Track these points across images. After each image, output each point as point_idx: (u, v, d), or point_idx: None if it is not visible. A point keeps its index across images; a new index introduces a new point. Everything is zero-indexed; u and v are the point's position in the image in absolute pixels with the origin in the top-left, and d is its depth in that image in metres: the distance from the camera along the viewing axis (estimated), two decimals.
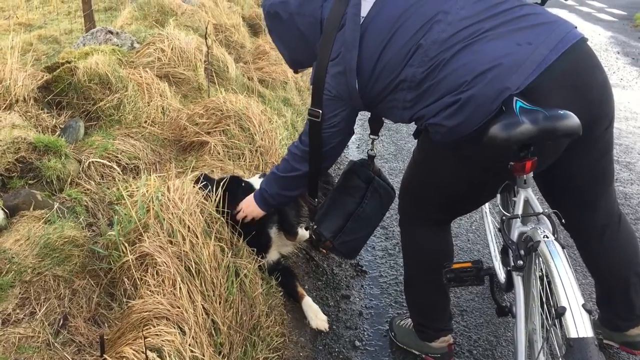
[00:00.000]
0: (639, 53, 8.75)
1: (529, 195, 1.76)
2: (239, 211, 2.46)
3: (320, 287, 2.84)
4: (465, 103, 1.67)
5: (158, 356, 1.73)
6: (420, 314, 2.31)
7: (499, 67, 1.64)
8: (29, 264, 2.09)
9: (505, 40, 1.68)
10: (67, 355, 1.88)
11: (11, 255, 2.09)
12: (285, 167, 2.23)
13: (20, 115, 3.07)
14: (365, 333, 2.55)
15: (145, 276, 2.07)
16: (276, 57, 5.45)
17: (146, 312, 1.90)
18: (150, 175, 2.65)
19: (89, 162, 2.93)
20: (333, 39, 1.88)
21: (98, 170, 2.94)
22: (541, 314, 1.71)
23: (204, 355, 1.82)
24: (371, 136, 2.32)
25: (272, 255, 2.67)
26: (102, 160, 2.99)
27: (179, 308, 1.93)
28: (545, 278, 1.62)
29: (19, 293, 2.01)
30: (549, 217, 1.67)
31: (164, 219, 2.21)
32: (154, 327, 1.85)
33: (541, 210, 1.70)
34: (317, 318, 2.49)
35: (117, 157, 3.08)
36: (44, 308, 2.02)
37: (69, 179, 2.77)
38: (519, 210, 1.76)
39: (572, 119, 1.54)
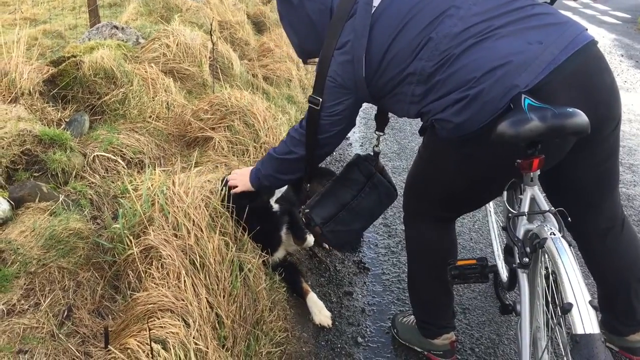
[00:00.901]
0: None
1: (535, 193, 1.76)
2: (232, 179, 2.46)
3: (323, 283, 2.85)
4: (473, 99, 1.67)
5: (162, 348, 1.73)
6: (424, 311, 2.32)
7: (508, 65, 1.64)
8: (34, 255, 2.10)
9: (516, 38, 1.68)
10: (71, 346, 1.89)
11: (16, 246, 2.09)
12: (283, 149, 2.21)
13: (25, 109, 3.07)
14: (368, 330, 2.55)
15: (149, 269, 2.07)
16: (280, 54, 5.46)
17: (151, 304, 1.91)
18: (154, 169, 2.66)
19: (94, 156, 2.94)
20: (342, 26, 1.87)
21: (103, 164, 2.95)
22: (546, 313, 1.71)
23: (207, 348, 1.83)
24: (377, 132, 2.33)
25: (280, 254, 2.68)
26: (106, 154, 2.99)
27: (184, 301, 1.93)
28: (550, 276, 1.62)
29: (24, 284, 2.02)
30: (555, 215, 1.67)
31: (169, 212, 2.21)
32: (159, 319, 1.86)
33: (547, 208, 1.70)
34: (320, 314, 2.50)
35: (121, 151, 3.09)
36: (49, 299, 2.02)
37: (74, 172, 2.77)
38: (525, 208, 1.76)
39: (581, 117, 1.54)
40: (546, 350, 1.72)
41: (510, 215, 1.79)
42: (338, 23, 1.89)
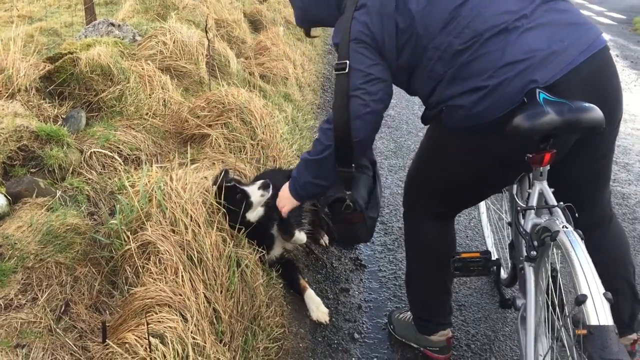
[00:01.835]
0: (638, 56, 8.79)
1: (544, 187, 1.78)
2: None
3: (320, 280, 2.85)
4: (493, 90, 1.66)
5: (160, 342, 1.73)
6: (421, 308, 2.32)
7: (531, 60, 1.64)
8: (31, 250, 2.10)
9: (541, 33, 1.68)
10: (68, 341, 1.89)
11: (14, 241, 2.09)
12: (317, 147, 2.00)
13: (22, 105, 3.07)
14: (364, 326, 2.56)
15: (147, 264, 2.08)
16: (277, 53, 5.47)
17: (148, 299, 1.91)
18: (152, 166, 2.66)
19: (91, 152, 2.93)
20: None
21: (99, 161, 2.94)
22: (551, 313, 1.73)
23: (205, 343, 1.84)
24: None
25: (276, 252, 2.68)
26: (103, 151, 2.99)
27: (181, 296, 1.94)
28: (558, 276, 1.63)
29: (21, 279, 2.02)
30: (563, 210, 1.69)
31: (166, 208, 2.22)
32: (156, 313, 1.86)
33: (555, 203, 1.72)
34: (318, 310, 2.51)
35: (118, 147, 3.08)
36: (46, 294, 2.02)
37: (71, 168, 2.77)
38: (534, 202, 1.78)
39: (597, 112, 1.55)
40: (550, 351, 1.73)
41: (519, 208, 1.80)
42: None
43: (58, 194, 2.44)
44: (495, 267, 2.06)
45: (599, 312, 1.36)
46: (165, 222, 2.19)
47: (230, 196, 2.42)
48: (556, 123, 1.53)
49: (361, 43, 1.82)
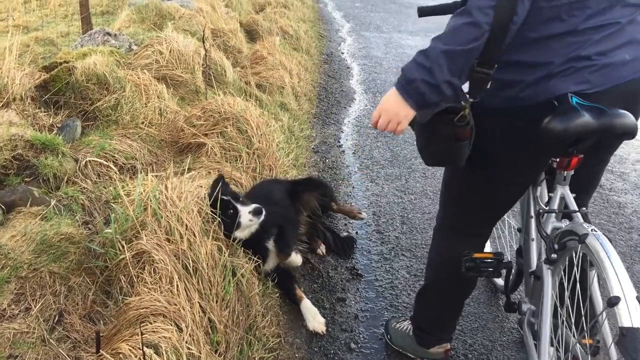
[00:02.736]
0: None
1: (565, 192, 1.79)
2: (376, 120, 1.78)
3: (316, 289, 2.83)
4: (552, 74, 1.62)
5: (155, 352, 1.72)
6: (426, 321, 2.31)
7: (594, 61, 1.62)
8: (25, 259, 2.08)
9: (615, 39, 1.65)
10: (62, 351, 1.87)
11: (7, 250, 2.08)
12: (468, 33, 1.57)
13: (17, 114, 3.06)
14: (361, 336, 2.54)
15: (142, 273, 2.06)
16: (273, 62, 5.47)
17: (143, 308, 1.89)
18: (147, 175, 2.65)
19: (86, 161, 2.92)
20: None
21: (95, 170, 2.93)
22: (566, 327, 1.74)
23: (200, 353, 1.82)
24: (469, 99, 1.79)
25: (270, 264, 2.65)
26: (99, 160, 2.98)
27: (176, 305, 1.92)
28: (577, 289, 1.63)
29: (15, 289, 2.00)
30: (584, 215, 1.72)
31: (161, 217, 2.20)
32: (151, 323, 1.84)
33: (576, 208, 1.74)
34: (314, 320, 2.49)
35: (114, 156, 3.07)
36: (39, 304, 2.00)
37: (66, 177, 2.76)
38: (554, 206, 1.80)
39: (631, 119, 1.56)
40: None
41: (541, 210, 1.81)
42: None
43: (52, 203, 2.42)
44: (505, 270, 2.05)
45: (632, 314, 1.35)
46: (161, 231, 2.17)
47: (223, 209, 2.42)
48: (592, 126, 1.53)
49: None
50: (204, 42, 3.94)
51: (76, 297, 2.13)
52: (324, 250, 3.08)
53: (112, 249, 2.24)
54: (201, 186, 2.58)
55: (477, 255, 1.94)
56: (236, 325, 2.12)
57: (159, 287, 1.98)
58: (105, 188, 2.83)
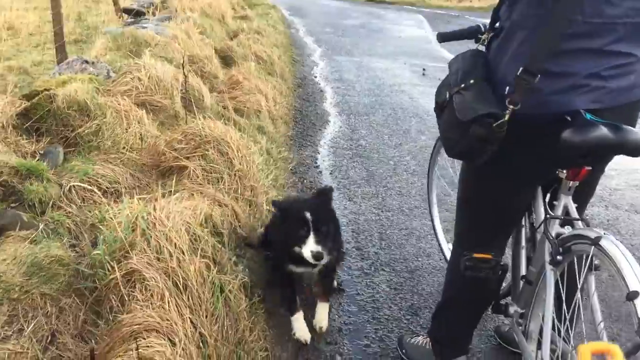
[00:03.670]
0: None
1: (568, 202, 1.90)
2: None
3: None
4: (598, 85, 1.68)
5: None
6: (447, 337, 2.38)
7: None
8: (16, 282, 2.12)
9: (631, 69, 1.73)
10: None
11: None
12: None
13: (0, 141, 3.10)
14: (345, 348, 2.62)
15: (133, 292, 2.12)
16: (249, 87, 5.59)
17: (136, 324, 1.95)
18: (132, 197, 2.71)
19: (70, 186, 2.97)
20: None
21: (79, 194, 2.97)
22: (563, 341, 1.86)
23: None
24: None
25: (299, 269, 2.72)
26: (82, 184, 3.02)
27: (169, 321, 1.98)
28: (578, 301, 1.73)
29: (7, 310, 2.03)
30: (587, 224, 1.84)
31: (151, 236, 2.27)
32: (144, 339, 1.90)
33: (578, 217, 1.87)
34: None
35: (97, 181, 3.12)
36: (32, 325, 2.04)
37: (51, 202, 2.79)
38: (558, 213, 1.92)
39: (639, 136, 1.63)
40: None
41: (548, 216, 1.93)
42: None
43: (41, 227, 2.46)
44: (501, 272, 2.13)
45: None
46: (150, 250, 2.24)
47: (294, 223, 2.51)
48: (609, 140, 1.59)
49: None
50: (183, 68, 4.04)
51: (67, 318, 2.16)
52: None
53: (101, 269, 2.29)
54: (186, 208, 2.65)
55: (477, 255, 2.02)
56: (226, 340, 2.18)
57: (151, 303, 2.04)
58: (90, 212, 2.87)
